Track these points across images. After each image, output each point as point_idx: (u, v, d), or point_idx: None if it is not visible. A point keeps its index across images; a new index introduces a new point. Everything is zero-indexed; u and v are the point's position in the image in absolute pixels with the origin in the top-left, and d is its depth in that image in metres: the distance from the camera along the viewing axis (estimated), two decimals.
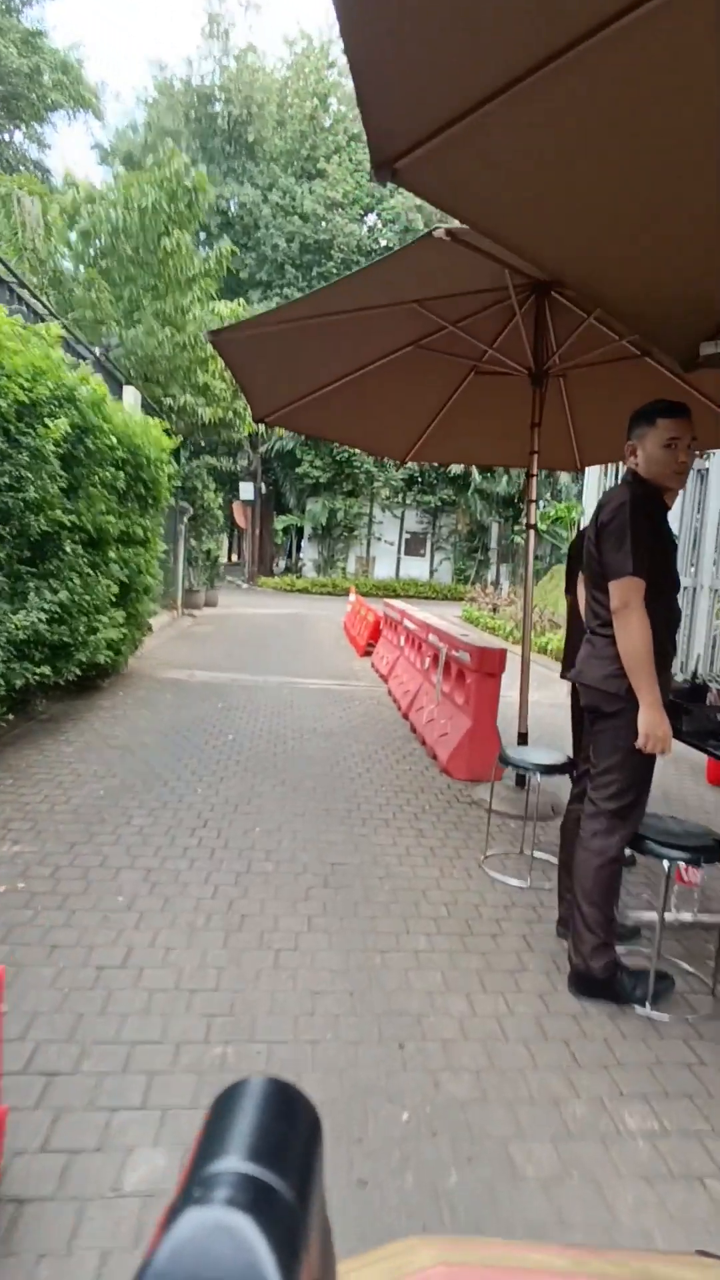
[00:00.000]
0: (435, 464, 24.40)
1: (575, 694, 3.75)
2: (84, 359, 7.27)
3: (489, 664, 4.90)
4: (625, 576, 2.42)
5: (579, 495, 26.50)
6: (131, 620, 6.82)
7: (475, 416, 5.69)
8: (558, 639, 12.23)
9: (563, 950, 2.80)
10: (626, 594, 2.43)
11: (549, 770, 3.37)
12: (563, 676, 3.73)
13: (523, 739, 4.58)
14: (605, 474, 8.32)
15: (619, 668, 2.49)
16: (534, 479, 4.55)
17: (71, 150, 57.11)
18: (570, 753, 3.93)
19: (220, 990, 2.46)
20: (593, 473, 8.31)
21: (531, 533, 4.52)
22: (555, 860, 3.54)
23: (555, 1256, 0.55)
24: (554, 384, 5.15)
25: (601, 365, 4.90)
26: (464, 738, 4.98)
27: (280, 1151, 0.30)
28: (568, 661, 3.67)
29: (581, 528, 3.80)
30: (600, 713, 2.64)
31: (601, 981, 2.55)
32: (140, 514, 6.58)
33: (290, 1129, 0.31)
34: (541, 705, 7.59)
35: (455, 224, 3.12)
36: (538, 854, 3.78)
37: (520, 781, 4.61)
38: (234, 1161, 0.28)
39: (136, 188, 9.63)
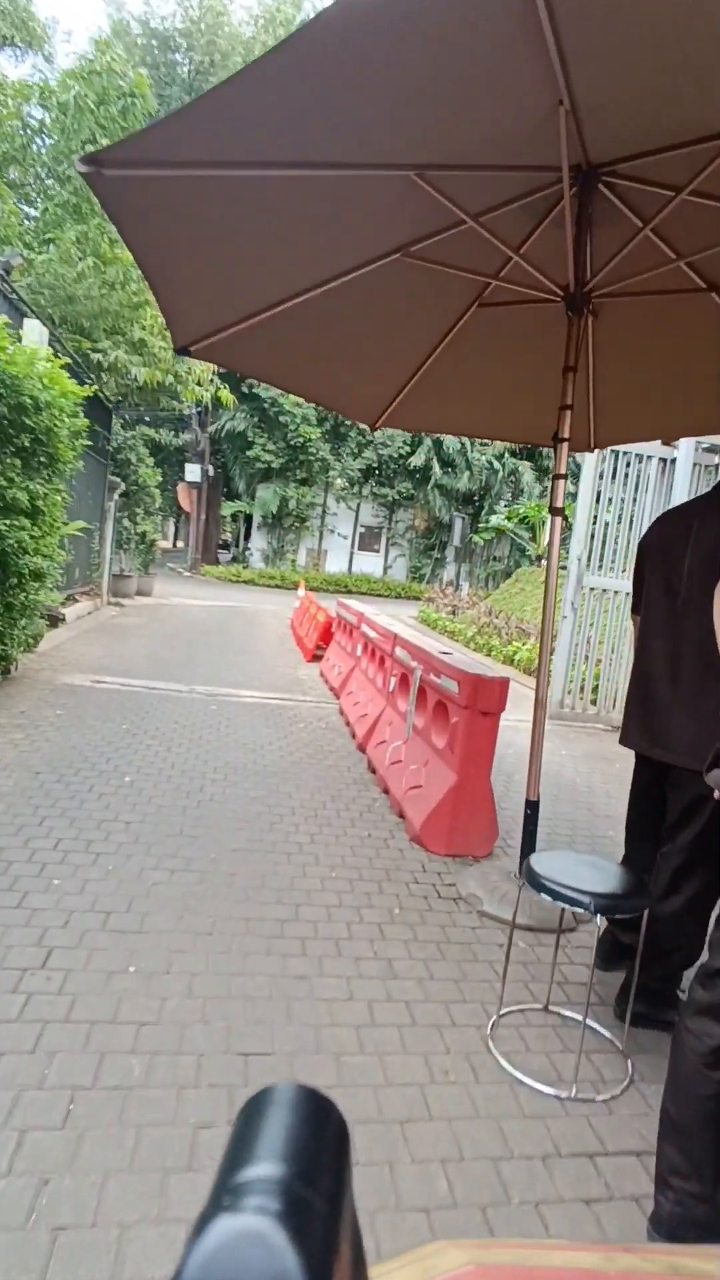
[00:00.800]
0: (413, 432, 23.17)
1: (645, 770, 2.45)
2: None
3: (486, 699, 3.57)
4: None
5: (543, 495, 25.60)
6: (11, 612, 5.25)
7: (477, 366, 4.33)
8: (526, 648, 11.06)
9: None
10: None
11: (617, 907, 2.04)
12: (635, 746, 2.41)
13: (532, 810, 3.26)
14: (604, 462, 7.13)
15: None
16: (565, 446, 3.22)
17: None
18: (623, 846, 2.65)
19: None
20: (589, 462, 7.11)
21: (557, 520, 3.20)
22: (598, 1027, 2.23)
23: (585, 1254, 0.55)
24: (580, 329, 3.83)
25: (647, 300, 3.62)
26: (446, 799, 3.64)
27: (310, 1158, 0.29)
28: (643, 722, 2.34)
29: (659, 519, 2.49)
30: None
31: None
32: (23, 474, 5.00)
33: (319, 1135, 0.30)
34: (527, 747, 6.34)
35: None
36: (566, 1011, 2.47)
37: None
38: (264, 1169, 0.28)
39: (59, 82, 7.94)
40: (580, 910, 2.00)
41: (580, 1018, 2.42)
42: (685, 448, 6.96)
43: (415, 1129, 1.88)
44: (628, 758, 2.67)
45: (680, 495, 6.88)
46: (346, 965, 2.58)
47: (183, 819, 3.70)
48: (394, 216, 3.22)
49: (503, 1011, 2.41)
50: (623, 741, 2.42)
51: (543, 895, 2.10)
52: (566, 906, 2.03)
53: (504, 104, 2.49)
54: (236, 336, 3.90)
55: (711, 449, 7.09)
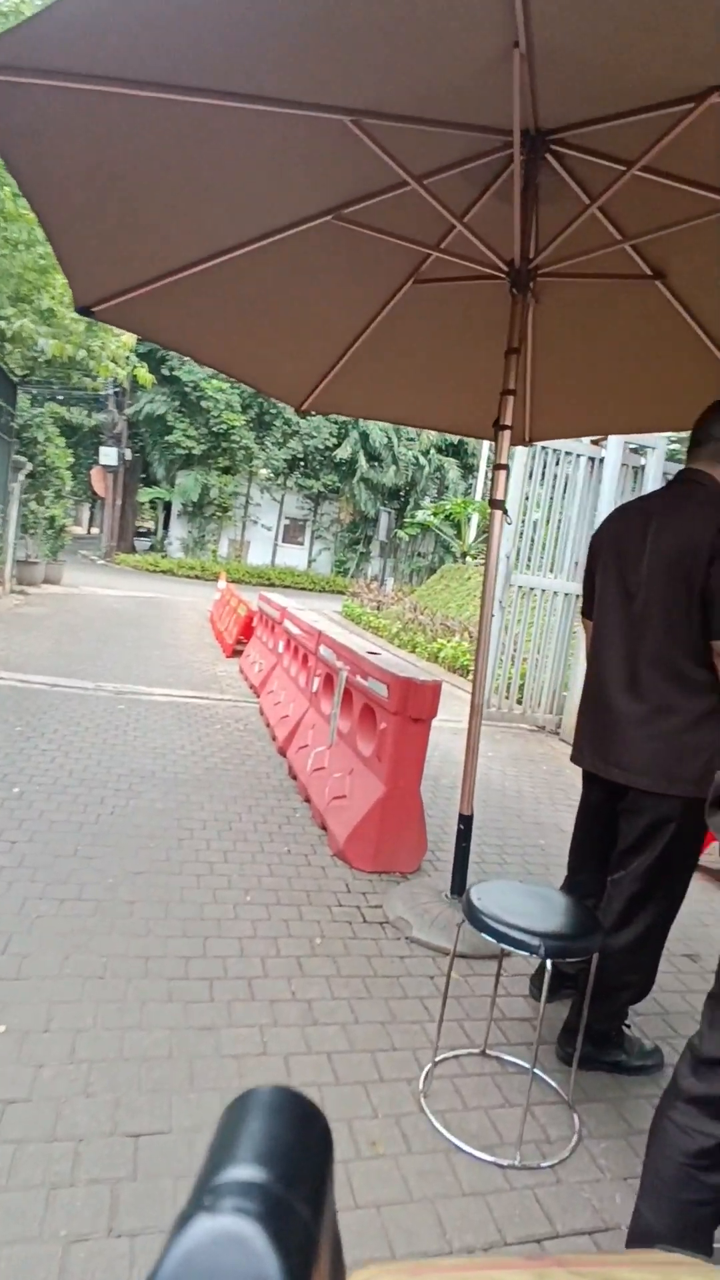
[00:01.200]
0: (344, 416, 22.92)
1: (595, 789, 2.24)
2: None
3: (417, 705, 3.31)
4: None
5: (468, 492, 25.80)
6: None
7: (412, 349, 4.06)
8: (451, 645, 10.96)
9: None
10: None
11: (569, 950, 1.80)
12: (589, 766, 2.18)
13: (465, 824, 3.03)
14: (534, 460, 7.03)
15: None
16: (507, 434, 2.99)
17: None
18: (567, 865, 2.45)
19: None
20: (518, 459, 7.01)
21: (499, 514, 2.96)
22: (541, 1074, 2.02)
23: (519, 1272, 0.53)
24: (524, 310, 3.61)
25: (591, 290, 3.45)
26: (373, 812, 3.37)
27: (291, 1161, 0.28)
28: (598, 740, 2.11)
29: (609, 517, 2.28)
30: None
31: None
32: None
33: (301, 1138, 0.30)
34: (453, 748, 6.16)
35: None
36: (505, 1055, 2.24)
37: (459, 888, 3.06)
38: (244, 1170, 0.27)
39: None
40: (528, 956, 1.75)
41: (520, 1062, 2.19)
42: (614, 447, 6.94)
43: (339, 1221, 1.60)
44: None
45: (608, 495, 6.85)
46: (260, 1011, 2.27)
47: (78, 837, 3.29)
48: (326, 172, 2.91)
49: (437, 1059, 2.15)
50: (575, 760, 2.19)
51: (484, 935, 1.85)
52: (511, 950, 1.79)
53: (454, 46, 2.21)
54: (149, 298, 3.49)
55: (638, 450, 7.10)
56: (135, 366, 12.26)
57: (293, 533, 28.00)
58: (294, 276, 3.50)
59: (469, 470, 26.65)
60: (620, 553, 2.12)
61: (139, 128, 2.48)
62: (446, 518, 21.85)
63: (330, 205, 3.08)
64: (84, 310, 3.56)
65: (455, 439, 25.24)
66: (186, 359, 14.51)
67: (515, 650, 7.49)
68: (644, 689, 1.94)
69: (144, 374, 11.96)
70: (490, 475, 3.06)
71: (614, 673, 2.02)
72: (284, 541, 27.74)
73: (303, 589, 24.97)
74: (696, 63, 2.12)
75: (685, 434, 2.40)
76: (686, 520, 1.93)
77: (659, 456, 6.92)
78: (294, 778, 4.50)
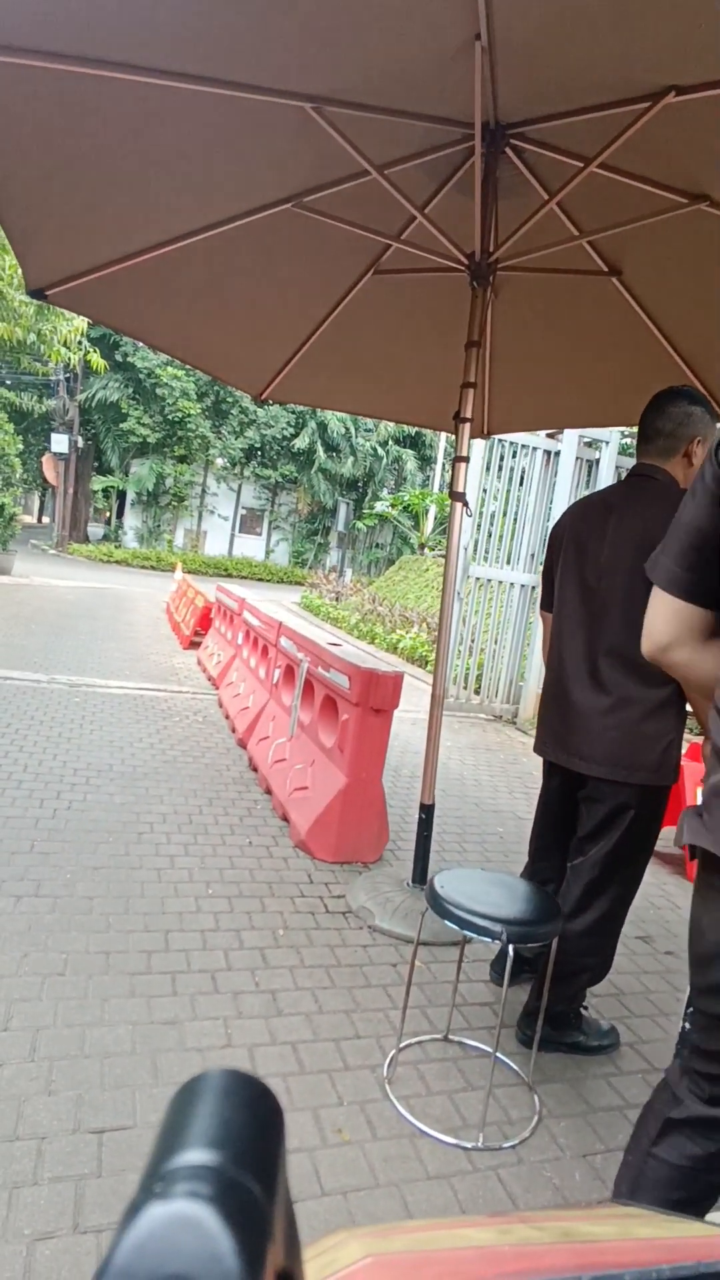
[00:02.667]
0: (304, 406, 22.80)
1: (555, 777, 2.28)
2: None
3: (379, 696, 3.33)
4: None
5: (426, 484, 25.91)
6: None
7: (372, 340, 4.05)
8: (410, 637, 11.03)
9: None
10: None
11: (531, 935, 1.84)
12: (551, 756, 2.22)
13: (426, 814, 3.06)
14: (490, 453, 7.10)
15: None
16: (467, 426, 3.01)
17: None
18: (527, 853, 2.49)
19: None
20: (475, 452, 7.07)
21: (459, 506, 2.99)
22: (503, 1058, 2.06)
23: (480, 1230, 0.56)
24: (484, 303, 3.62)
25: (548, 284, 3.49)
26: (334, 802, 3.38)
27: (242, 1142, 0.28)
28: (559, 731, 2.14)
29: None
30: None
31: None
32: None
33: (251, 1119, 0.30)
34: (413, 738, 6.21)
35: None
36: (467, 1040, 2.28)
37: (420, 877, 3.10)
38: (195, 1154, 0.27)
39: None
40: (490, 942, 1.78)
41: (482, 1046, 2.23)
42: (569, 441, 7.04)
43: (306, 1209, 1.61)
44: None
45: (564, 488, 6.95)
46: (224, 1004, 2.27)
47: (34, 833, 3.22)
48: (287, 159, 2.88)
49: (401, 1046, 2.18)
50: (538, 750, 2.23)
51: (447, 922, 1.88)
52: (474, 936, 1.82)
53: (416, 36, 2.20)
54: (104, 282, 3.42)
55: (592, 443, 7.22)
56: (88, 351, 11.97)
57: (250, 523, 27.77)
58: (254, 264, 3.46)
59: (426, 462, 26.77)
60: (580, 546, 2.15)
61: (91, 107, 2.42)
62: (404, 509, 21.93)
63: (290, 192, 3.05)
64: (36, 293, 3.47)
65: (413, 430, 25.32)
66: (140, 344, 14.19)
67: (473, 641, 7.57)
68: (605, 681, 1.99)
69: (96, 359, 11.69)
70: (449, 467, 3.07)
71: (575, 665, 2.06)
72: (241, 532, 27.50)
73: (261, 580, 24.81)
74: (654, 63, 2.15)
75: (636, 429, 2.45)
76: (645, 514, 1.97)
77: (612, 450, 7.05)
78: (254, 770, 4.49)
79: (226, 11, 2.07)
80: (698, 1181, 1.23)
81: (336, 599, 16.33)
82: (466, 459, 3.05)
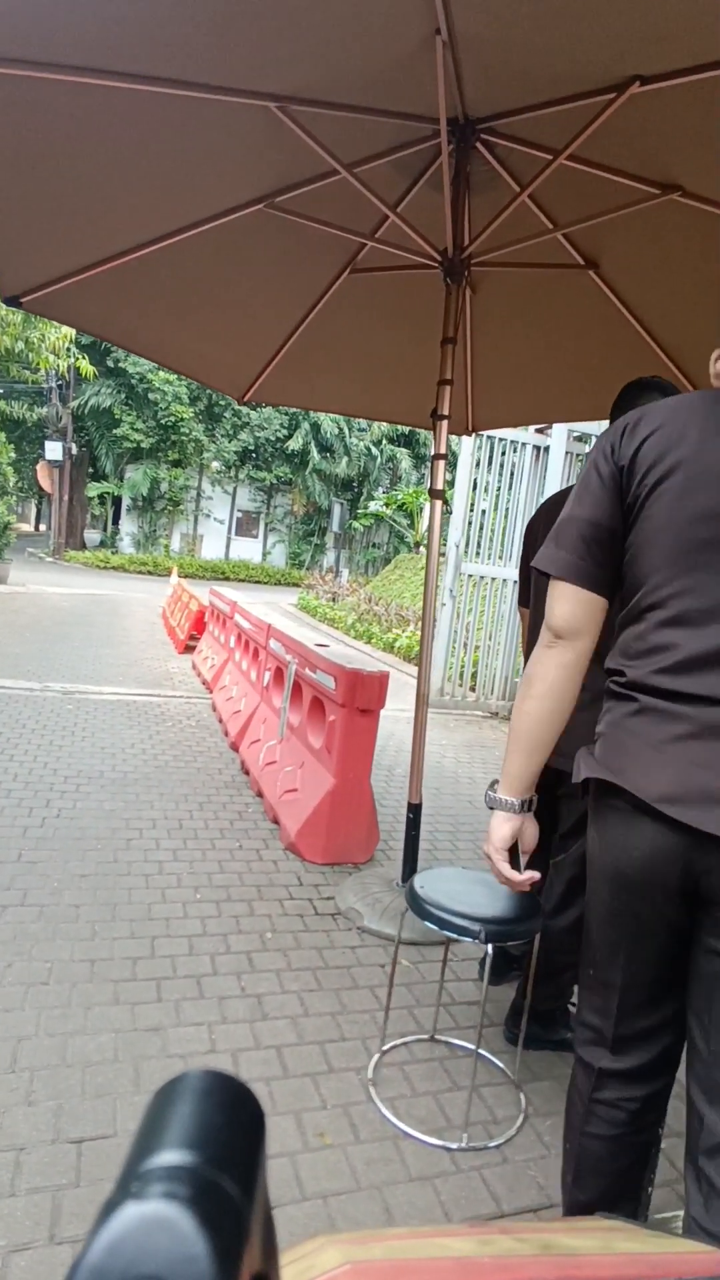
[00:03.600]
0: (287, 407, 22.75)
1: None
2: None
3: (365, 696, 3.32)
4: None
5: (420, 482, 25.89)
6: None
7: (351, 339, 4.04)
8: (406, 635, 11.01)
9: None
10: None
11: (510, 934, 1.83)
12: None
13: (414, 813, 3.05)
14: (480, 449, 7.08)
15: None
16: (444, 424, 3.00)
17: None
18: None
19: None
20: (465, 449, 7.06)
21: (437, 504, 2.97)
22: (489, 1056, 2.05)
23: (461, 1239, 0.56)
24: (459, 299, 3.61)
25: (526, 278, 3.48)
26: (323, 804, 3.37)
27: (221, 1144, 0.28)
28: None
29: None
30: None
31: None
32: None
33: (231, 1120, 0.30)
34: (407, 738, 6.21)
35: None
36: (454, 1039, 2.26)
37: (409, 877, 3.08)
38: (173, 1155, 0.27)
39: None
40: (470, 941, 1.77)
41: (468, 1045, 2.22)
42: (558, 436, 7.03)
43: (286, 1214, 1.60)
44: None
45: (554, 483, 6.94)
46: (209, 1009, 2.26)
47: (22, 841, 3.21)
48: (256, 160, 2.87)
49: (385, 1047, 2.17)
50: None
51: (426, 923, 1.86)
52: (453, 936, 1.81)
53: (378, 33, 2.19)
54: (79, 288, 3.41)
55: (581, 438, 7.21)
56: (77, 358, 11.96)
57: (246, 525, 27.76)
58: (229, 266, 3.45)
59: (421, 460, 26.75)
60: None
61: (54, 111, 2.41)
62: (399, 508, 21.91)
63: (262, 193, 3.04)
64: (11, 301, 3.46)
65: (406, 429, 25.31)
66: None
67: (468, 638, 7.56)
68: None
69: (86, 365, 11.69)
70: (431, 464, 3.06)
71: None
72: (238, 535, 27.50)
73: (258, 582, 24.81)
74: (618, 53, 2.14)
75: None
76: None
77: None
78: (246, 773, 4.48)
79: (184, 12, 2.05)
80: (632, 1147, 1.30)
81: (333, 599, 16.32)
82: (445, 456, 3.03)
